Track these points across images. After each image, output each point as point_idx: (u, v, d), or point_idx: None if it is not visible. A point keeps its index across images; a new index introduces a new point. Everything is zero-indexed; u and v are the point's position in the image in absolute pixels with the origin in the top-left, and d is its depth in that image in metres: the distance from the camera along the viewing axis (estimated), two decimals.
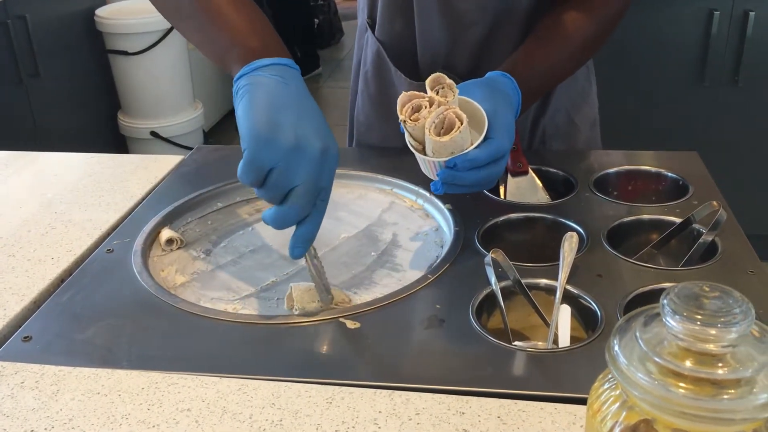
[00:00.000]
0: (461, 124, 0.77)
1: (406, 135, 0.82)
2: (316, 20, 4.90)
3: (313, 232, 0.78)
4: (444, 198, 0.98)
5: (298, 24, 4.33)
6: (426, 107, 0.79)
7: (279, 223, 0.75)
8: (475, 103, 0.82)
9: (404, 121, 0.80)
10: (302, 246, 0.77)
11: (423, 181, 1.03)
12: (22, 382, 0.69)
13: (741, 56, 2.18)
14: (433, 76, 0.81)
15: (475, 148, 0.79)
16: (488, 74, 0.91)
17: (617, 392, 0.45)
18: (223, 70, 0.83)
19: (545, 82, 1.01)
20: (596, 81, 1.20)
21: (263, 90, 0.74)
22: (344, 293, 0.83)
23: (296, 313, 0.79)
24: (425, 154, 0.81)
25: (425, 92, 0.82)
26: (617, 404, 0.44)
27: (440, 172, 0.81)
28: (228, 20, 0.82)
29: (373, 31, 1.13)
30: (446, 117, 0.78)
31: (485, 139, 0.81)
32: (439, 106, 0.79)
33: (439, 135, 0.78)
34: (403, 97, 0.81)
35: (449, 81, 0.81)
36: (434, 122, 0.78)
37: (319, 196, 0.75)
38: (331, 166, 0.75)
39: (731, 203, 0.93)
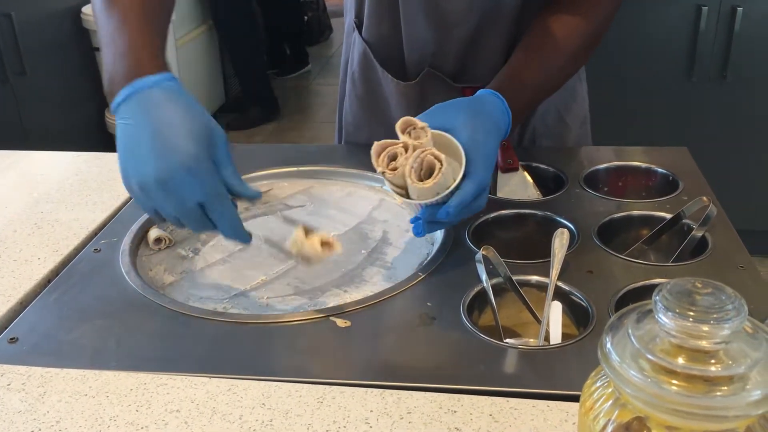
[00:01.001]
0: (441, 165, 0.76)
1: (387, 184, 0.80)
2: (305, 17, 4.88)
3: (229, 228, 0.76)
4: None
5: (287, 22, 4.31)
6: (401, 154, 0.77)
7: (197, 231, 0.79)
8: (450, 137, 0.80)
9: (383, 173, 0.78)
10: (240, 238, 0.77)
11: None
12: (9, 384, 0.68)
13: (729, 52, 2.18)
14: (402, 119, 0.79)
15: (458, 189, 0.77)
16: (478, 93, 0.89)
17: (610, 390, 0.45)
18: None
19: (536, 97, 0.99)
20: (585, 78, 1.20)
21: (118, 138, 0.74)
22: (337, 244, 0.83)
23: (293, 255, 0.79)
24: (410, 198, 0.79)
25: (397, 137, 0.79)
26: (610, 402, 0.44)
27: (422, 212, 0.80)
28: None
29: (360, 32, 1.12)
30: (424, 160, 0.77)
31: (465, 175, 0.78)
32: (414, 150, 0.77)
33: (420, 180, 0.77)
34: (376, 146, 0.79)
35: (421, 123, 0.79)
36: (413, 167, 0.76)
37: (208, 205, 0.73)
38: (202, 174, 0.71)
39: (721, 199, 0.93)
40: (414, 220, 0.84)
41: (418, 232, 0.82)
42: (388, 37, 1.08)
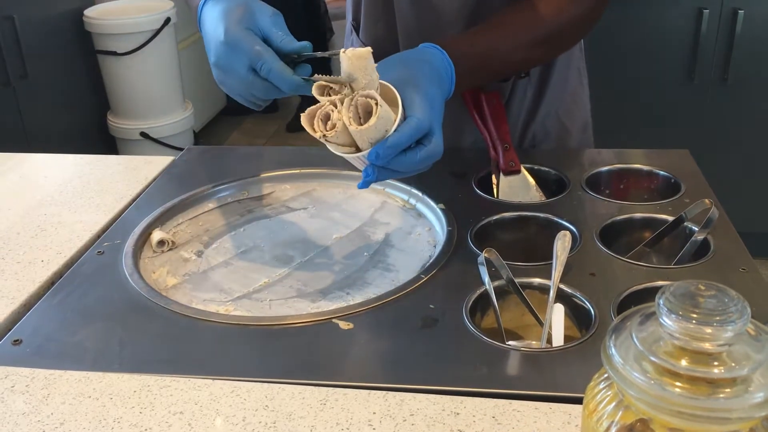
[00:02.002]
0: (376, 102, 0.72)
1: (331, 146, 0.76)
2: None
3: (283, 81, 0.79)
4: (437, 197, 0.98)
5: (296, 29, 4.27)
6: (333, 111, 0.74)
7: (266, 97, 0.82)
8: (385, 83, 0.76)
9: (324, 136, 0.74)
10: (296, 88, 0.79)
11: (415, 181, 1.03)
12: (12, 386, 0.69)
13: (730, 54, 2.19)
14: (315, 85, 0.76)
15: (394, 132, 0.74)
16: (419, 46, 0.88)
17: (613, 392, 0.45)
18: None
19: (486, 65, 0.94)
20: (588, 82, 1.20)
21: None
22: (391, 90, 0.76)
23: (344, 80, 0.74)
24: (359, 151, 0.76)
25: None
26: (613, 404, 0.44)
27: (369, 156, 0.75)
28: None
29: (357, 34, 1.14)
30: (359, 104, 0.73)
31: (404, 119, 0.75)
32: (343, 103, 0.73)
33: (361, 124, 0.73)
34: (305, 117, 0.75)
35: (332, 78, 0.75)
36: (350, 116, 0.73)
37: (255, 64, 0.79)
38: (237, 40, 0.79)
39: (723, 201, 0.93)
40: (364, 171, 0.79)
41: (367, 176, 0.77)
42: (384, 38, 1.09)
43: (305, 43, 0.81)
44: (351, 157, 0.77)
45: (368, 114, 0.73)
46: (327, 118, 0.74)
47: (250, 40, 0.79)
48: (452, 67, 0.86)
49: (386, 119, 0.73)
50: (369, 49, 0.73)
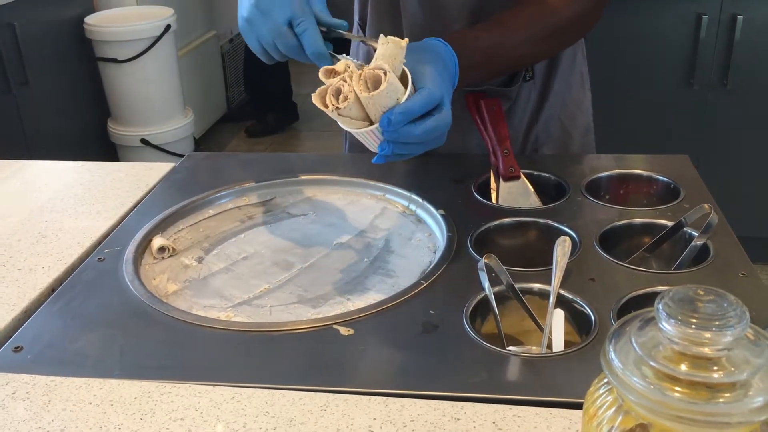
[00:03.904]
0: (386, 72, 0.74)
1: (344, 122, 0.78)
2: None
3: (312, 44, 0.82)
4: (437, 203, 0.98)
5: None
6: (344, 85, 0.76)
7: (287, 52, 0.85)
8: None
9: (337, 108, 0.75)
10: (320, 58, 0.82)
11: (415, 187, 1.03)
12: (13, 393, 0.69)
13: (729, 60, 2.19)
14: (321, 69, 0.79)
15: (405, 100, 0.76)
16: (424, 40, 0.89)
17: (613, 397, 0.45)
18: None
19: (490, 60, 0.96)
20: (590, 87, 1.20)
21: None
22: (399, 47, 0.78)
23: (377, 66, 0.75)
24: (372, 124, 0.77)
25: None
26: (613, 409, 0.44)
27: (384, 132, 0.77)
28: None
29: (364, 33, 1.15)
30: (368, 77, 0.75)
31: (415, 92, 0.77)
32: (352, 77, 0.75)
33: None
34: (316, 96, 0.77)
35: (338, 65, 0.78)
36: (360, 88, 0.75)
37: (295, 20, 0.82)
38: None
39: (722, 206, 0.93)
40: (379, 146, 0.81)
41: (381, 151, 0.79)
42: (389, 34, 1.10)
43: (342, 22, 0.85)
44: (364, 131, 0.78)
45: (377, 83, 0.75)
46: (338, 93, 0.76)
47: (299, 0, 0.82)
48: (455, 59, 0.87)
49: (396, 88, 0.75)
50: (406, 40, 0.76)
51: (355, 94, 0.75)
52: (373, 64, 0.76)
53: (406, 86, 0.77)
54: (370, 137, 0.79)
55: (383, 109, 0.75)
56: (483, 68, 0.96)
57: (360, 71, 0.75)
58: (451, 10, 1.04)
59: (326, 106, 0.76)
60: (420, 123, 0.77)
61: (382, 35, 0.77)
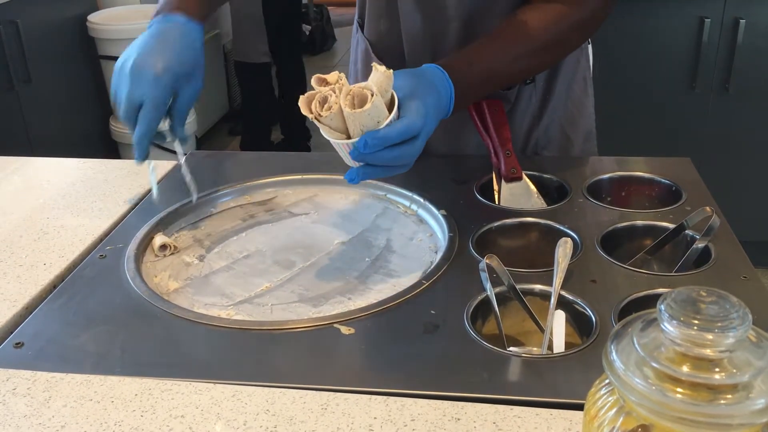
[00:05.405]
0: (372, 93, 0.76)
1: (324, 130, 0.79)
2: (308, 27, 4.86)
3: (138, 135, 0.93)
4: (438, 204, 0.98)
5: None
6: (331, 95, 0.78)
7: (123, 119, 0.93)
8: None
9: (318, 116, 0.77)
10: (138, 152, 0.95)
11: (417, 187, 1.03)
12: (14, 389, 0.69)
13: (732, 63, 2.19)
14: (314, 77, 0.80)
15: (386, 126, 0.77)
16: (422, 66, 0.89)
17: (614, 398, 0.45)
18: None
19: (487, 81, 0.96)
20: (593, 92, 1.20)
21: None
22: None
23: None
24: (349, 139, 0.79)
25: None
26: (614, 410, 0.44)
27: (352, 152, 0.79)
28: None
29: (362, 31, 1.15)
30: (354, 94, 0.76)
31: (398, 117, 0.79)
32: (341, 90, 0.77)
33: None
34: (303, 98, 0.79)
35: (333, 78, 0.79)
36: (346, 102, 0.77)
37: (145, 105, 0.91)
38: (162, 85, 0.91)
39: (724, 209, 0.93)
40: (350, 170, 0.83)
41: (351, 177, 0.81)
42: (387, 34, 1.11)
43: (186, 136, 1.01)
44: (340, 143, 0.80)
45: (362, 101, 0.77)
46: (324, 101, 0.78)
47: (165, 95, 0.92)
48: (452, 88, 0.88)
49: (380, 110, 0.77)
50: (391, 71, 0.78)
51: (340, 107, 0.77)
52: (363, 83, 0.77)
53: (391, 111, 0.78)
54: (345, 150, 0.81)
55: (363, 128, 0.77)
56: (480, 89, 0.96)
57: (349, 88, 0.77)
58: (449, 9, 1.04)
59: (310, 112, 0.78)
60: (392, 149, 0.79)
61: (374, 63, 0.79)
